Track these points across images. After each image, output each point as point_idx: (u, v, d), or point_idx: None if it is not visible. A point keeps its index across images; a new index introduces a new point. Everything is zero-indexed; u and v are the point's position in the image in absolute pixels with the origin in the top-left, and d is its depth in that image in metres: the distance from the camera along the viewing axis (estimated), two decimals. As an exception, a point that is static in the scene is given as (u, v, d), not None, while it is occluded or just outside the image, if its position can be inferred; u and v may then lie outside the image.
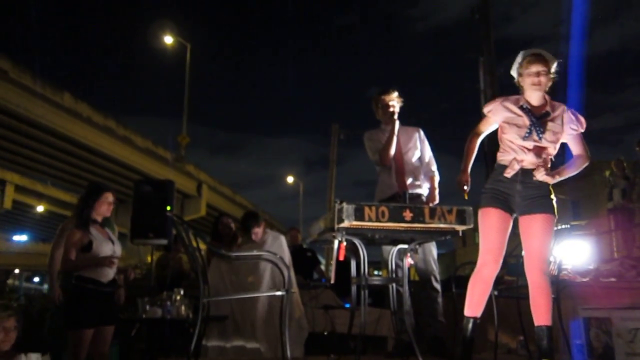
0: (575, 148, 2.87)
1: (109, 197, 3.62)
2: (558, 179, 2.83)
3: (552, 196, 2.81)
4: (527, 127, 2.79)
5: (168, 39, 25.23)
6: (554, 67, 2.84)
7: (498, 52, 11.16)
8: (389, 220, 2.51)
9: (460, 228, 2.65)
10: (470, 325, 2.81)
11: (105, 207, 3.59)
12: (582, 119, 2.86)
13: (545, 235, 2.75)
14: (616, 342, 3.71)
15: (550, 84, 2.83)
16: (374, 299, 4.82)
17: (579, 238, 5.03)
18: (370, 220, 2.48)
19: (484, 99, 10.70)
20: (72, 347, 3.26)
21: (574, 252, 4.69)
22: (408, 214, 2.54)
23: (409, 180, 3.85)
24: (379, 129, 4.05)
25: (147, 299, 4.12)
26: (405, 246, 2.94)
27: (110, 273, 3.46)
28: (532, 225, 2.78)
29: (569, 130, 2.84)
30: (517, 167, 2.82)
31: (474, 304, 2.83)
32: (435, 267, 3.80)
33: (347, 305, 4.97)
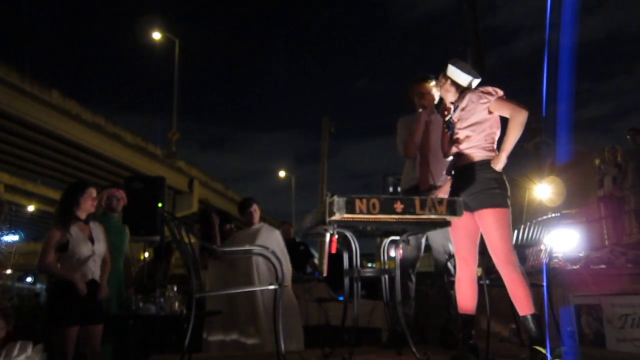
0: (503, 112, 2.93)
1: (93, 192, 3.59)
2: (504, 154, 2.86)
3: (496, 189, 2.82)
4: (446, 127, 3.08)
5: (156, 35, 25.12)
6: (448, 71, 3.08)
7: (484, 42, 11.19)
8: (380, 212, 2.51)
9: (451, 219, 2.66)
10: (461, 320, 2.96)
11: (89, 202, 3.55)
12: (490, 88, 2.95)
13: (498, 228, 2.78)
14: (607, 329, 3.75)
15: (451, 86, 3.07)
16: (367, 291, 4.84)
17: (569, 226, 5.06)
18: (361, 212, 2.48)
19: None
20: (57, 346, 3.25)
21: (564, 240, 4.72)
22: (399, 206, 2.54)
23: (435, 173, 3.64)
24: (414, 115, 3.83)
25: (140, 295, 4.11)
26: (397, 238, 2.95)
27: (87, 274, 3.42)
28: (484, 221, 2.83)
29: (482, 106, 2.93)
30: (451, 165, 3.05)
31: (461, 301, 2.97)
32: (450, 260, 3.68)
33: (341, 298, 4.99)
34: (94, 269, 3.47)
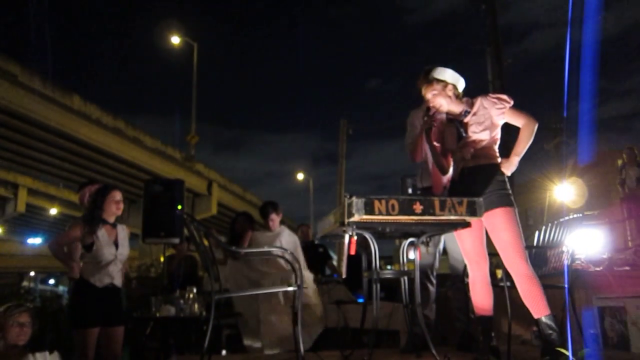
0: (515, 120, 2.95)
1: (116, 195, 3.62)
2: (517, 158, 2.90)
3: (505, 190, 2.84)
4: (456, 131, 2.98)
5: (175, 39, 25.31)
6: (445, 76, 2.98)
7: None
8: (399, 214, 2.49)
9: (471, 219, 2.63)
10: (479, 321, 2.94)
11: (114, 206, 3.58)
12: (504, 96, 2.97)
13: (510, 225, 2.78)
14: (631, 331, 3.68)
15: (452, 91, 2.97)
16: (386, 293, 4.82)
17: (591, 227, 4.98)
18: (380, 213, 2.47)
19: (492, 90, 10.61)
20: (78, 347, 3.30)
21: (587, 241, 4.65)
22: (418, 207, 2.52)
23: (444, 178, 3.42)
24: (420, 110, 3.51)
25: (161, 297, 4.15)
26: (416, 239, 2.93)
27: (105, 277, 3.45)
28: (494, 220, 2.81)
29: (496, 111, 2.93)
30: (459, 166, 2.99)
31: (477, 303, 2.95)
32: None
33: (360, 300, 4.97)
34: (115, 273, 3.51)
